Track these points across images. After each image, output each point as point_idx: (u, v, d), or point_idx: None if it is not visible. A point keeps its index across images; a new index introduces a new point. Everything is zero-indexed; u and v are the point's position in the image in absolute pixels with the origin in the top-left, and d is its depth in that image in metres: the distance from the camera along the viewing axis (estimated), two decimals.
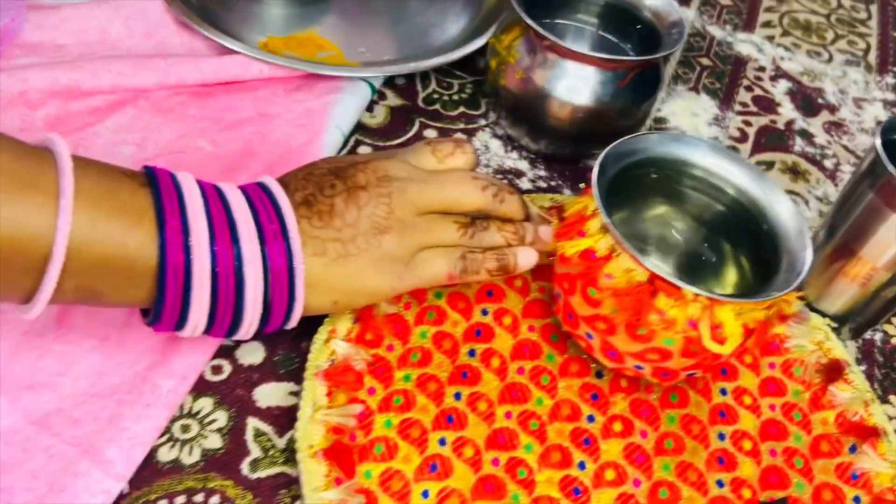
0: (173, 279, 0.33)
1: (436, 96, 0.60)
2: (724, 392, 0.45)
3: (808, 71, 0.73)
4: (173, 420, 0.39)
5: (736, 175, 0.43)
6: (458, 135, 0.42)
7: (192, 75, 0.52)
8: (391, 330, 0.43)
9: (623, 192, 0.41)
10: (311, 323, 0.43)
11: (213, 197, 0.36)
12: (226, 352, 0.42)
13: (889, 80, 0.74)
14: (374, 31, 0.63)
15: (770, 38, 0.76)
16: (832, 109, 0.69)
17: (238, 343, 0.42)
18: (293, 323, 0.38)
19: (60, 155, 0.32)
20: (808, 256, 0.38)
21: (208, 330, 0.36)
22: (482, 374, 0.43)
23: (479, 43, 0.59)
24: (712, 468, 0.41)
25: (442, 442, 0.40)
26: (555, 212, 0.51)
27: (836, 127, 0.67)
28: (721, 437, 0.43)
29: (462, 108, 0.59)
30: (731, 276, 0.44)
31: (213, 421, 0.39)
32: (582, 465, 0.40)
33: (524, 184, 0.55)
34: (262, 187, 0.38)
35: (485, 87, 0.61)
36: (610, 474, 0.40)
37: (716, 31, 0.75)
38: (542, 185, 0.55)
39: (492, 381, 0.43)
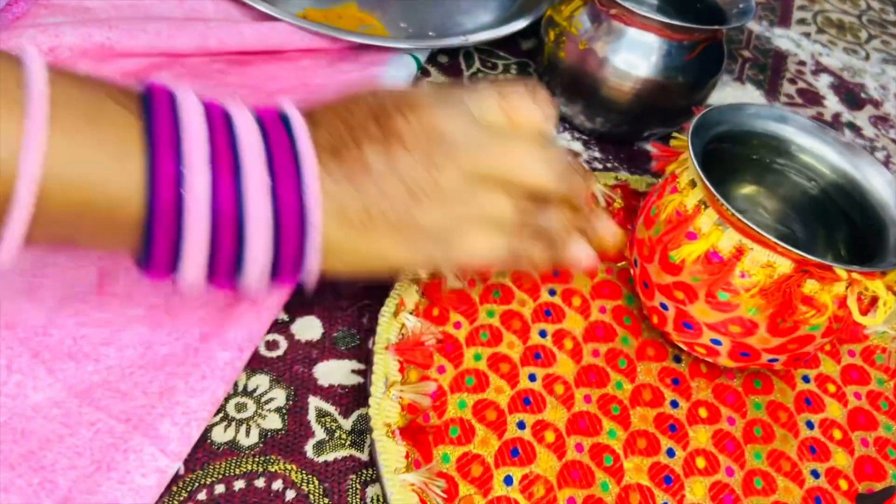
0: (164, 235, 0.27)
1: (481, 75, 0.57)
2: (806, 379, 0.42)
3: (848, 67, 0.71)
4: (226, 398, 0.35)
5: (826, 150, 0.41)
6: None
7: (233, 40, 0.49)
8: (457, 307, 0.40)
9: (707, 166, 0.38)
10: (371, 296, 0.40)
11: (220, 128, 0.29)
12: (280, 327, 0.38)
13: None
14: (415, 7, 0.60)
15: (807, 35, 0.74)
16: (876, 104, 0.67)
17: (294, 318, 0.39)
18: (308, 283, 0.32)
19: (30, 67, 0.25)
20: None
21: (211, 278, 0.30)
22: (556, 355, 0.40)
23: (524, 22, 0.57)
24: (805, 458, 0.38)
25: (521, 425, 0.36)
26: (619, 190, 0.48)
27: (881, 121, 0.65)
28: (810, 425, 0.40)
29: None
30: (826, 253, 0.41)
31: (270, 399, 0.35)
32: (671, 453, 0.37)
33: None
34: (284, 121, 0.31)
35: (534, 67, 0.58)
36: (701, 462, 0.37)
37: (753, 26, 0.73)
38: (598, 166, 0.52)
39: (567, 363, 0.39)
